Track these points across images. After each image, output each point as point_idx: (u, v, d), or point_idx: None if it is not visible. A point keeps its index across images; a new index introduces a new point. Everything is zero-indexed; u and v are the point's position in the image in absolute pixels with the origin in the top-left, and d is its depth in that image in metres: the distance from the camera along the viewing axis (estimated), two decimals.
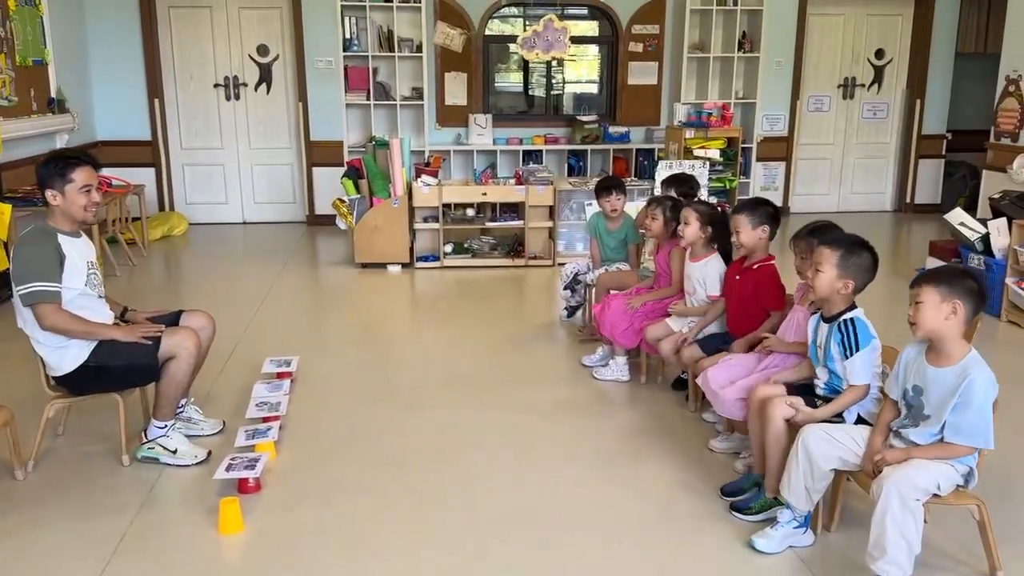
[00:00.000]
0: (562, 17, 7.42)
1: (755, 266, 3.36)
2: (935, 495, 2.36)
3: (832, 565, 2.58)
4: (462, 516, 2.87)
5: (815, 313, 2.81)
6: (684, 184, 4.62)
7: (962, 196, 8.48)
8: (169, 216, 7.94)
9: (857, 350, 2.61)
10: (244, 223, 8.38)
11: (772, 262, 3.37)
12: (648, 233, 4.25)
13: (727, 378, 3.09)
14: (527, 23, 8.19)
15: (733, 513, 2.83)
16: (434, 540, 2.72)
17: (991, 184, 6.59)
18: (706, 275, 3.70)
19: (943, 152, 8.87)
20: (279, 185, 8.36)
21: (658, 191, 5.49)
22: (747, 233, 3.31)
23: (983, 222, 5.39)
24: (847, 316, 2.65)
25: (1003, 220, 5.22)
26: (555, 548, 2.68)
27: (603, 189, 4.77)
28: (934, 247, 5.86)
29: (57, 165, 3.06)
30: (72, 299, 3.03)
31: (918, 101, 8.67)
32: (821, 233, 2.93)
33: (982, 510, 2.42)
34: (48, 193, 3.06)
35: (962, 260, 5.45)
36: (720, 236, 3.70)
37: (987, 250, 5.24)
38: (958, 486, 2.41)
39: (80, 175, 3.06)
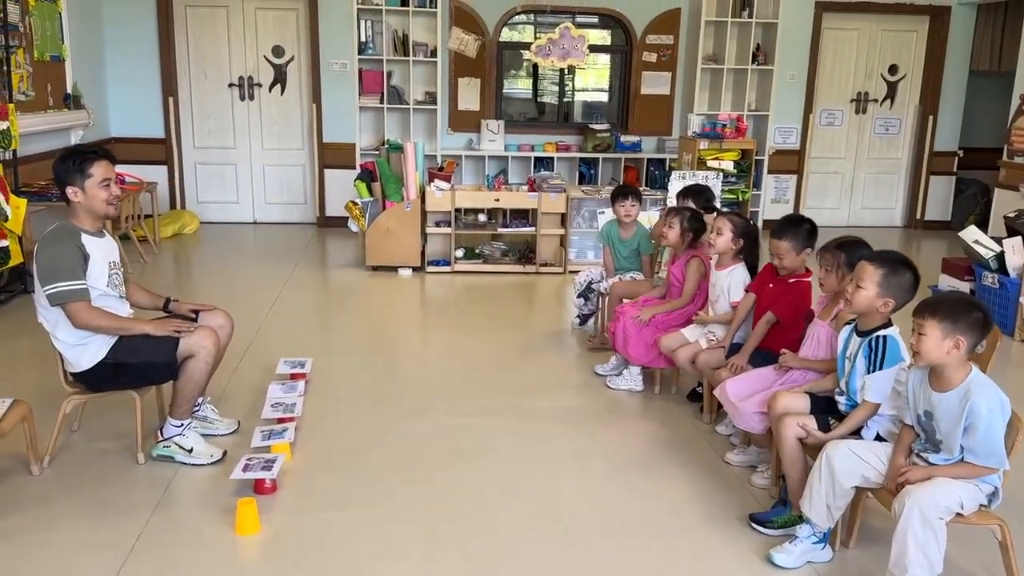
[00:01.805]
0: (577, 26, 7.44)
1: (791, 280, 3.33)
2: (958, 514, 2.35)
3: None
4: (474, 520, 2.87)
5: (849, 323, 2.79)
6: (700, 196, 4.61)
7: (972, 213, 8.48)
8: (181, 214, 7.95)
9: (880, 368, 2.60)
10: (255, 223, 8.39)
11: (809, 279, 3.34)
12: (664, 242, 4.25)
13: (746, 391, 3.08)
14: (540, 30, 8.21)
15: (753, 525, 2.82)
16: (446, 544, 2.72)
17: (1003, 203, 6.58)
18: (731, 283, 3.68)
19: (954, 169, 8.87)
20: (291, 186, 8.38)
21: (671, 202, 5.49)
22: (792, 259, 3.27)
23: (997, 240, 5.38)
24: (880, 333, 2.64)
25: (1018, 239, 5.22)
26: (566, 557, 2.67)
27: (619, 194, 4.77)
28: (947, 264, 5.86)
29: (75, 161, 3.02)
30: (94, 299, 3.00)
31: (931, 117, 8.67)
32: (849, 248, 2.91)
33: (1004, 530, 2.41)
34: (69, 190, 3.02)
35: (975, 278, 5.45)
36: (749, 251, 3.70)
37: (1001, 268, 5.23)
38: (981, 505, 2.40)
39: (98, 169, 3.03)
